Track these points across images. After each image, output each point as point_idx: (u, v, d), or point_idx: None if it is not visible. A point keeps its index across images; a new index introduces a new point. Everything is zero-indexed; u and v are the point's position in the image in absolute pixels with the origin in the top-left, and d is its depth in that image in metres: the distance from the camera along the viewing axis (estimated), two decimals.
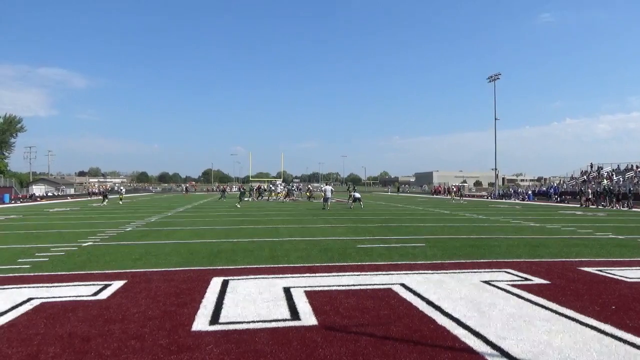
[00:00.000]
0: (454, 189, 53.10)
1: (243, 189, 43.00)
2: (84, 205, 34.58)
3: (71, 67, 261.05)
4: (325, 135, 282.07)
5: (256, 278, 7.24)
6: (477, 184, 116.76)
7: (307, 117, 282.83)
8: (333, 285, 6.72)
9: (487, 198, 55.05)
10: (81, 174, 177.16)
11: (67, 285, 6.79)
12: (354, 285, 6.76)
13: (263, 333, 4.59)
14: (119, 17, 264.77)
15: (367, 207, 30.38)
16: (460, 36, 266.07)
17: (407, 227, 16.26)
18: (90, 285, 6.82)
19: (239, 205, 30.42)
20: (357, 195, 29.56)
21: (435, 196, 62.99)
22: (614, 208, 32.21)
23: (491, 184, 72.70)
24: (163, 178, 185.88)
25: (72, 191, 75.63)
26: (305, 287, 6.61)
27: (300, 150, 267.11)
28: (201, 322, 4.95)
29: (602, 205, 34.32)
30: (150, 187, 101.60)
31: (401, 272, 7.72)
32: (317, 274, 7.55)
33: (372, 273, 7.68)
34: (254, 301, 5.80)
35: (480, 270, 7.95)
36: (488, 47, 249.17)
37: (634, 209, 30.85)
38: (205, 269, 8.03)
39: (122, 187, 53.00)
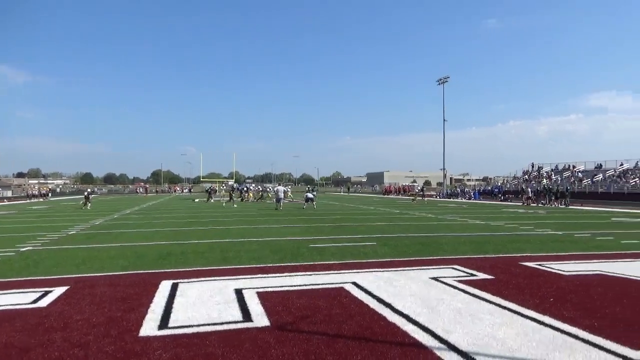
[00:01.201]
0: (417, 190, 54.14)
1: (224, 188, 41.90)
2: (23, 209, 32.72)
3: (11, 62, 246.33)
4: (278, 135, 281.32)
5: (207, 280, 7.11)
6: (427, 183, 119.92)
7: (259, 117, 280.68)
8: (285, 286, 6.71)
9: (436, 197, 56.65)
10: (20, 175, 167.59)
11: (2, 294, 6.40)
12: (306, 285, 6.78)
13: (214, 336, 4.51)
14: (61, 13, 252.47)
15: (320, 207, 30.54)
16: (411, 39, 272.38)
17: (358, 227, 16.48)
18: (29, 292, 6.46)
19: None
20: (310, 195, 29.63)
21: (386, 196, 64.21)
22: (553, 206, 34.03)
23: (440, 184, 75.01)
24: (109, 179, 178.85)
25: (9, 194, 71.48)
26: (257, 288, 6.56)
27: (252, 151, 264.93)
28: (149, 327, 4.81)
29: (542, 203, 36.17)
30: (96, 189, 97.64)
31: (353, 271, 7.81)
32: (269, 275, 7.51)
33: (324, 272, 7.73)
34: (204, 304, 5.69)
35: (429, 268, 8.17)
36: (438, 50, 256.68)
37: (570, 207, 32.72)
38: (154, 272, 7.80)
39: (88, 189, 49.80)
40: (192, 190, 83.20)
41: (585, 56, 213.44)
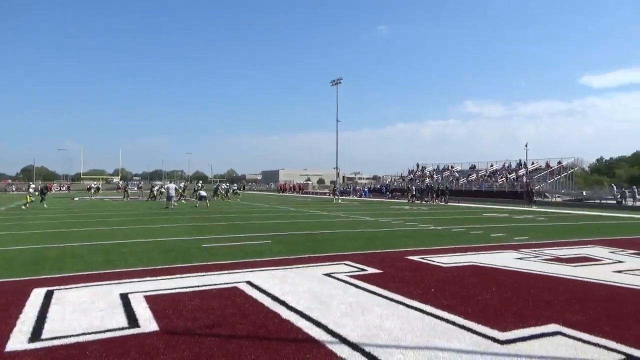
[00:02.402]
0: (332, 189, 54.41)
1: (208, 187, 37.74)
2: None
3: None
4: (170, 131, 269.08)
5: (88, 286, 6.57)
6: (320, 181, 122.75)
7: (149, 113, 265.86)
8: (176, 288, 6.44)
9: (329, 195, 58.24)
10: None
11: None
12: (198, 286, 6.57)
13: (96, 345, 4.18)
14: None
15: (213, 205, 29.83)
16: (308, 40, 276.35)
17: (253, 225, 16.38)
18: None
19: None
20: (203, 193, 28.76)
21: (281, 194, 64.64)
22: (434, 203, 36.86)
23: (333, 182, 77.25)
24: None
25: None
26: (145, 291, 6.21)
27: (141, 147, 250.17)
28: (18, 341, 4.31)
29: (425, 201, 39.00)
30: None
31: (247, 270, 7.74)
32: (158, 277, 7.15)
33: (217, 272, 7.56)
34: (85, 311, 5.25)
35: (322, 264, 8.38)
36: (333, 52, 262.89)
37: (450, 204, 35.70)
38: (24, 280, 7.02)
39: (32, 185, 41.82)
40: (70, 188, 76.07)
41: (462, 66, 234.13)
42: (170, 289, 6.37)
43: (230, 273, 7.52)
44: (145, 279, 7.07)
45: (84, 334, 4.49)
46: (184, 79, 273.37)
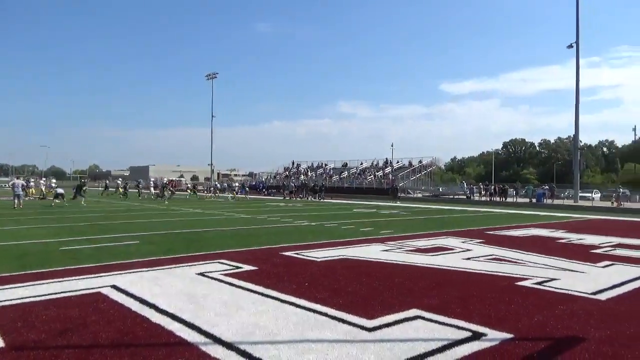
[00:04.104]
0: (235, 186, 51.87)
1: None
2: None
3: None
4: (20, 122, 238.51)
5: None
6: (194, 178, 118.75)
7: None
8: (28, 297, 5.73)
9: (205, 192, 56.59)
10: None
11: None
12: (55, 293, 5.93)
13: None
14: None
15: (73, 203, 27.17)
16: (183, 32, 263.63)
17: (120, 225, 15.28)
18: None
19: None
20: (60, 190, 25.94)
21: (154, 190, 61.02)
22: (309, 199, 37.93)
23: (207, 179, 75.19)
24: None
25: None
26: None
27: None
28: None
29: (300, 197, 39.95)
30: None
31: (113, 273, 7.19)
32: (7, 286, 6.28)
33: (78, 277, 6.88)
34: None
35: (195, 263, 8.12)
36: (209, 47, 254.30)
37: (325, 200, 37.02)
38: None
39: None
40: None
41: (337, 68, 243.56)
42: (21, 299, 5.64)
43: (93, 277, 6.91)
44: None
45: None
46: (37, 62, 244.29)
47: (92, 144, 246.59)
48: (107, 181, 48.97)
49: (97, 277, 6.95)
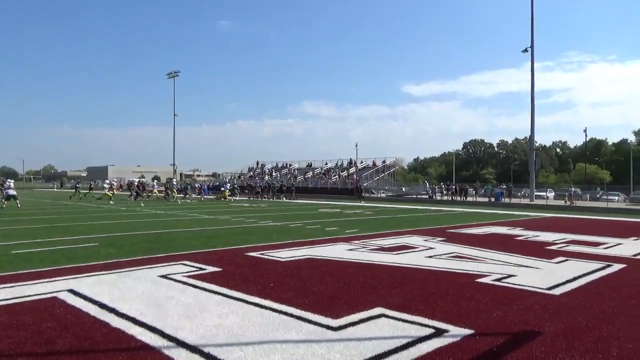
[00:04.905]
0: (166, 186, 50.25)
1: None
2: None
3: None
4: None
5: None
6: (156, 178, 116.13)
7: None
8: None
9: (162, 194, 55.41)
10: None
11: None
12: (6, 299, 5.66)
13: None
14: None
15: (26, 205, 26.06)
16: (144, 31, 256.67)
17: (77, 226, 14.75)
18: None
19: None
20: (13, 192, 24.77)
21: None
22: (274, 200, 37.76)
23: (169, 179, 73.67)
24: None
25: None
26: None
27: None
28: None
29: (266, 197, 39.71)
30: None
31: (69, 277, 6.93)
32: None
33: (31, 282, 6.59)
34: None
35: (158, 265, 7.94)
36: (171, 45, 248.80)
37: (288, 200, 36.94)
38: None
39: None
40: None
41: (302, 67, 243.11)
42: None
43: (48, 282, 6.64)
44: None
45: None
46: None
47: (46, 144, 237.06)
48: (92, 182, 47.15)
49: (53, 281, 6.68)
